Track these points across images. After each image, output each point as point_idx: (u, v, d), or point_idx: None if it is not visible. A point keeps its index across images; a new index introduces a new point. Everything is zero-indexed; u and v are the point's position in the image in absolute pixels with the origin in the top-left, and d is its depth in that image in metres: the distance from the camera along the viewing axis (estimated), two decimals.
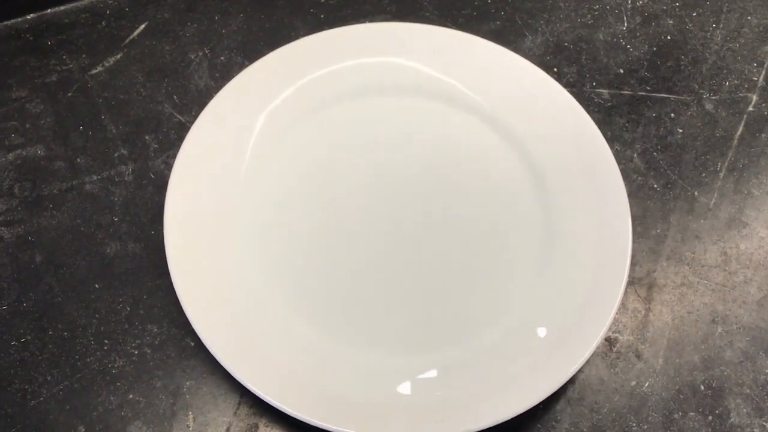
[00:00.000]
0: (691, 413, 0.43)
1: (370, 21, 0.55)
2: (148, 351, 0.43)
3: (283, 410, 0.39)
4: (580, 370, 0.43)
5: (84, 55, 0.53)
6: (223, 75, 0.53)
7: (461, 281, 0.45)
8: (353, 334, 0.43)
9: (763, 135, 0.53)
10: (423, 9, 0.57)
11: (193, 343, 0.44)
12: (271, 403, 0.39)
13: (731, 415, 0.43)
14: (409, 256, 0.46)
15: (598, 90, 0.54)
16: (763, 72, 0.56)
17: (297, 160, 0.49)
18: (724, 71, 0.56)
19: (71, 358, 0.43)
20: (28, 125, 0.50)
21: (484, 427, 0.40)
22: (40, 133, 0.50)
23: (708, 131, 0.53)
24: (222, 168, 0.47)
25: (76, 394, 0.42)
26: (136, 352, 0.43)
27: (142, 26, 0.55)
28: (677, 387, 0.44)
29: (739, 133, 0.53)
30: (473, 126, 0.51)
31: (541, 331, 0.43)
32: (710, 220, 0.50)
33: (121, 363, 0.43)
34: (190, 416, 0.42)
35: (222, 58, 0.54)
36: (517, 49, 0.53)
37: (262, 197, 0.47)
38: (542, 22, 0.57)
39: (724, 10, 0.59)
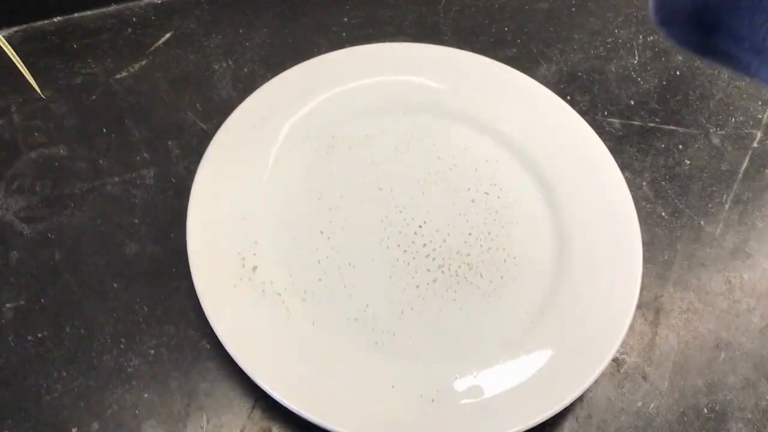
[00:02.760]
0: None
1: (391, 41, 0.56)
2: (165, 351, 0.44)
3: (298, 413, 0.40)
4: (588, 389, 0.44)
5: (109, 60, 0.54)
6: (246, 86, 0.54)
7: (473, 298, 0.46)
8: (369, 342, 0.44)
9: (767, 171, 0.55)
10: (442, 33, 0.59)
11: (209, 346, 0.44)
12: (287, 406, 0.40)
13: None
14: (421, 272, 0.47)
15: (609, 119, 0.56)
16: None
17: (318, 171, 0.50)
18: (731, 107, 0.58)
19: (87, 356, 0.43)
20: (51, 125, 0.51)
21: None
22: (63, 133, 0.51)
23: (714, 164, 0.55)
24: (244, 175, 0.48)
25: (91, 391, 0.42)
26: (153, 352, 0.44)
27: (168, 35, 0.56)
28: (681, 409, 0.45)
29: (744, 167, 0.55)
30: (490, 147, 0.52)
31: (553, 349, 0.44)
32: (715, 249, 0.51)
33: (137, 362, 0.43)
34: (204, 418, 0.42)
35: (245, 69, 0.55)
36: (532, 77, 0.54)
37: (283, 205, 0.48)
38: (557, 51, 0.59)
39: None
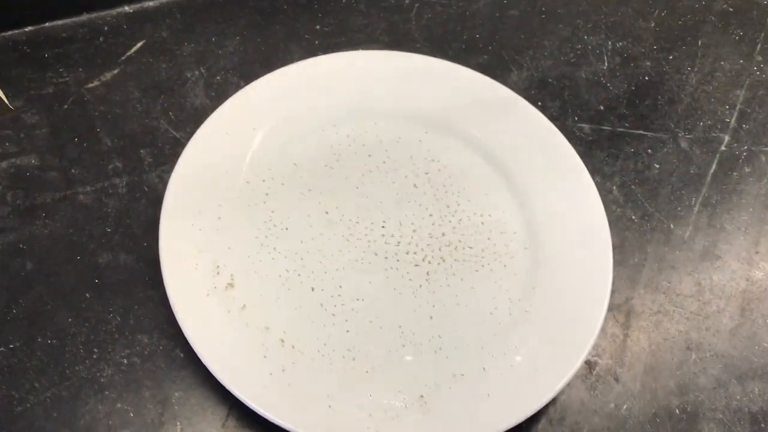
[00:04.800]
0: None
1: (364, 49, 0.56)
2: (138, 361, 0.44)
3: (273, 421, 0.40)
4: (561, 392, 0.44)
5: (81, 69, 0.54)
6: (218, 94, 0.54)
7: (446, 307, 0.47)
8: (341, 350, 0.44)
9: (735, 173, 0.56)
10: (414, 40, 0.59)
11: (182, 355, 0.44)
12: (262, 414, 0.40)
13: None
14: (412, 272, 0.48)
15: (579, 125, 0.56)
16: (735, 114, 0.59)
17: (292, 178, 0.50)
18: (699, 112, 0.59)
19: (60, 366, 0.43)
20: (22, 135, 0.51)
21: None
22: (34, 143, 0.51)
23: (683, 168, 0.56)
24: (217, 183, 0.48)
25: (63, 401, 0.42)
26: (126, 362, 0.44)
27: (140, 44, 0.56)
28: (654, 411, 0.46)
29: (712, 170, 0.56)
30: (464, 154, 0.52)
31: (525, 353, 0.45)
32: (685, 252, 0.52)
33: (109, 372, 0.43)
34: (178, 426, 0.42)
35: (218, 78, 0.55)
36: (503, 83, 0.55)
37: (257, 213, 0.48)
38: (527, 58, 0.60)
39: (699, 54, 0.62)
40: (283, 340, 0.44)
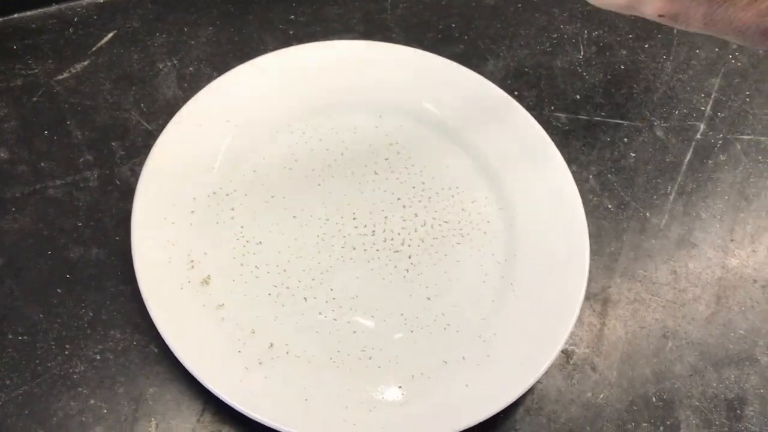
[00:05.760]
0: (644, 424, 0.45)
1: (339, 39, 0.56)
2: (111, 356, 0.43)
3: (248, 416, 0.39)
4: (538, 381, 0.44)
5: (50, 61, 0.53)
6: (191, 86, 0.53)
7: (439, 285, 0.47)
8: (356, 352, 0.44)
9: (710, 162, 0.56)
10: (390, 30, 0.59)
11: (156, 350, 0.43)
12: (237, 408, 0.39)
13: (681, 426, 0.45)
14: (395, 258, 0.47)
15: (556, 114, 0.56)
16: (711, 102, 0.59)
17: (254, 186, 0.49)
18: (674, 100, 0.59)
19: (31, 363, 0.42)
20: None
21: None
22: (3, 136, 0.50)
23: (659, 156, 0.56)
24: (190, 176, 0.47)
25: (35, 398, 0.41)
26: (99, 358, 0.43)
27: (111, 34, 0.55)
28: (630, 398, 0.46)
29: (687, 158, 0.56)
30: (439, 142, 0.52)
31: (502, 342, 0.45)
32: (661, 240, 0.52)
33: (82, 368, 0.42)
34: (153, 422, 0.41)
35: (190, 68, 0.54)
36: (479, 72, 0.54)
37: (227, 231, 0.47)
38: (504, 47, 0.59)
39: (674, 43, 0.62)
40: (272, 344, 0.43)
